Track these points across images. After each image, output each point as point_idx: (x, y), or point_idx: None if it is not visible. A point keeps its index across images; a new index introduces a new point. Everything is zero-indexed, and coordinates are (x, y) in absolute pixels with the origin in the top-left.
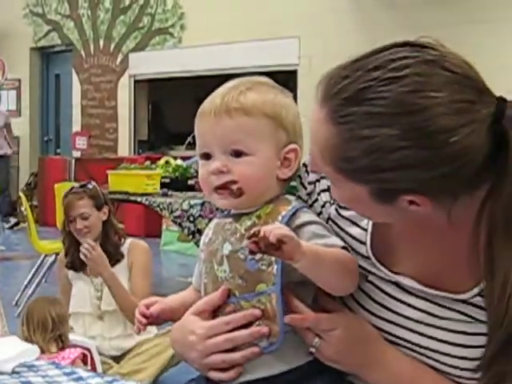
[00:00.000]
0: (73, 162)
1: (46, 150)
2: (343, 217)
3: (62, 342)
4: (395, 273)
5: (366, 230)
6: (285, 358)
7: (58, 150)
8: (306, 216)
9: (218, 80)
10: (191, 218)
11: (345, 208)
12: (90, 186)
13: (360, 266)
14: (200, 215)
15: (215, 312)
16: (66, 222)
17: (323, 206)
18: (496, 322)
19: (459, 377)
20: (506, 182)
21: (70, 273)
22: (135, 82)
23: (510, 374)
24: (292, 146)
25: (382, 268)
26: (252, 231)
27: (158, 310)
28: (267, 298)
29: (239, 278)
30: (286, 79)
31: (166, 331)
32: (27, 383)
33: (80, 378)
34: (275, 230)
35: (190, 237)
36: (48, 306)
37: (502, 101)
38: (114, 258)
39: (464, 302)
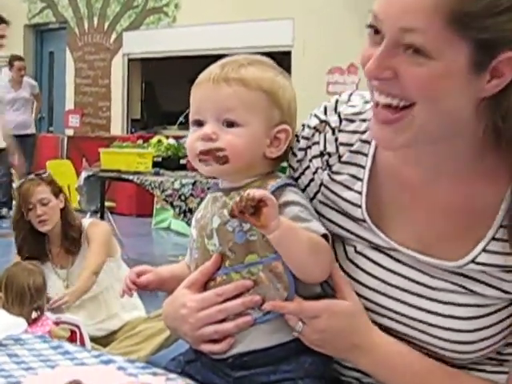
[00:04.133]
0: (65, 139)
1: (38, 128)
2: (336, 181)
3: (39, 313)
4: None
5: (360, 193)
6: (276, 332)
7: (51, 128)
8: (291, 195)
9: (211, 60)
10: (182, 197)
11: (337, 173)
12: (45, 175)
13: (353, 233)
14: (191, 194)
15: (206, 286)
16: (23, 211)
17: (315, 173)
18: None
19: (445, 349)
20: None
21: None
22: (129, 60)
23: None
24: (284, 126)
25: (377, 232)
26: (239, 196)
27: (149, 279)
28: (259, 268)
29: (228, 250)
30: (280, 60)
31: (157, 314)
32: (14, 356)
33: (67, 352)
34: (259, 191)
35: (182, 216)
36: (27, 277)
37: None
38: (79, 242)
39: (456, 272)
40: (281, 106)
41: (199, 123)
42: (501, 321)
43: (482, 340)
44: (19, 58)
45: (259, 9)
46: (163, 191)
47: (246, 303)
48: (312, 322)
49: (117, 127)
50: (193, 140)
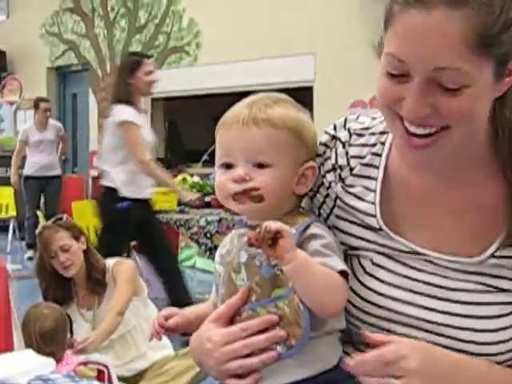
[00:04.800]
0: (90, 180)
1: (63, 169)
2: (349, 193)
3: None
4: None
5: (373, 203)
6: (304, 365)
7: (75, 169)
8: (316, 229)
9: (233, 98)
10: (208, 235)
11: (350, 186)
12: (63, 220)
13: (371, 241)
14: (217, 231)
15: (231, 321)
16: (44, 260)
17: (329, 187)
18: None
19: (473, 353)
20: None
21: None
22: (152, 100)
23: None
24: (310, 163)
25: (396, 237)
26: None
27: (177, 323)
28: (285, 302)
29: (255, 284)
30: (302, 95)
31: (185, 352)
32: None
33: None
34: (276, 223)
35: (207, 253)
36: (34, 322)
37: None
38: (104, 283)
39: (476, 272)
40: (307, 144)
41: (228, 165)
42: None
43: (502, 342)
44: (44, 100)
45: (280, 45)
46: (189, 229)
47: (270, 338)
48: (400, 364)
49: None
50: (223, 182)
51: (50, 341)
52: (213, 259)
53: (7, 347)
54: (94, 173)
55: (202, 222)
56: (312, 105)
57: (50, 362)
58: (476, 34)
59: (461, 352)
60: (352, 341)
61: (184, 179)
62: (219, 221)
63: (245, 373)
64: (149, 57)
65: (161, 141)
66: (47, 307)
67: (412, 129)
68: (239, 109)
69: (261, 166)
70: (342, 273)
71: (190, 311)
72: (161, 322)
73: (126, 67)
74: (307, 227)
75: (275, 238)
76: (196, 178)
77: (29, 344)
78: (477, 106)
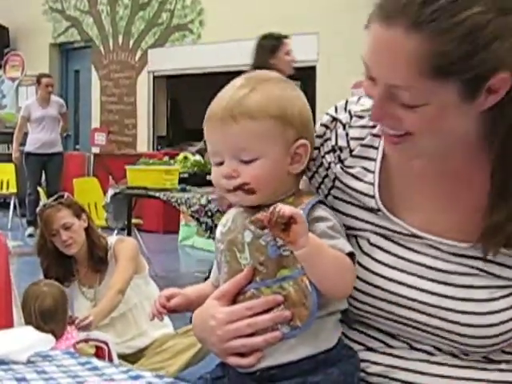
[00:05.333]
0: (92, 157)
1: (65, 146)
2: (348, 173)
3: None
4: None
5: (372, 184)
6: (305, 344)
7: (77, 146)
8: (321, 212)
9: (236, 76)
10: (209, 213)
11: (349, 167)
12: (64, 198)
13: (369, 222)
14: (218, 210)
15: (235, 299)
16: (46, 239)
17: (328, 168)
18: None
19: (465, 335)
20: None
21: None
22: (154, 78)
23: None
24: (301, 141)
25: (394, 219)
26: (270, 209)
27: (178, 303)
28: (290, 283)
29: (260, 264)
30: (305, 75)
31: (186, 330)
32: (42, 372)
33: (95, 368)
34: (290, 208)
35: (208, 232)
36: (34, 300)
37: None
38: (105, 260)
39: (470, 255)
40: (293, 124)
41: (218, 162)
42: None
43: (503, 323)
44: (47, 76)
45: (283, 24)
46: (189, 207)
47: (275, 318)
48: None
49: (143, 144)
50: (217, 177)
51: (49, 319)
52: (213, 239)
53: (7, 324)
54: (95, 150)
55: (203, 201)
56: (315, 85)
57: (49, 338)
58: (432, 58)
59: (452, 334)
60: (347, 320)
61: (186, 157)
62: None
63: (247, 351)
64: (286, 37)
65: (163, 119)
66: (47, 285)
67: (382, 126)
68: (219, 101)
69: (248, 160)
70: (350, 255)
71: (191, 291)
72: (162, 303)
73: (265, 49)
74: (312, 208)
75: (288, 222)
76: (198, 157)
77: (28, 321)
78: (438, 122)
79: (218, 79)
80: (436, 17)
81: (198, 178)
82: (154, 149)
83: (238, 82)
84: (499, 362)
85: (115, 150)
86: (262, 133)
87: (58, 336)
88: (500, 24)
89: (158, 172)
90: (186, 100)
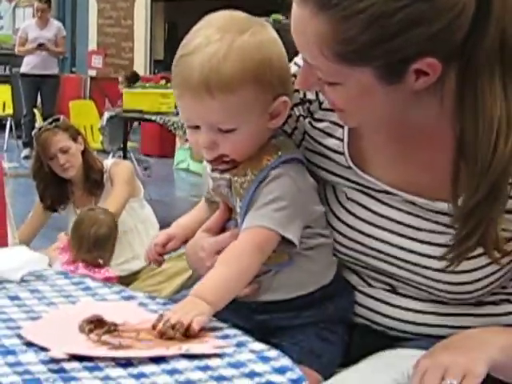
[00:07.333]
0: (88, 80)
1: (61, 69)
2: (317, 128)
3: (100, 262)
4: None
5: (342, 140)
6: (302, 285)
7: (74, 69)
8: (274, 185)
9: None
10: None
11: (319, 120)
12: (60, 121)
13: (343, 177)
14: None
15: (224, 229)
16: (42, 162)
17: (297, 121)
18: (482, 171)
19: (440, 290)
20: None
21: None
22: (152, 1)
23: (492, 220)
24: (280, 98)
25: (365, 176)
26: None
27: (176, 246)
28: None
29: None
30: None
31: (179, 254)
32: (35, 291)
33: (88, 288)
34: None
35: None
36: (89, 226)
37: None
38: (101, 183)
39: (443, 212)
40: (271, 84)
41: (193, 126)
42: (491, 263)
43: (477, 281)
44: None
45: None
46: (185, 131)
47: None
48: (435, 364)
49: (140, 68)
50: (195, 144)
51: (100, 246)
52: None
53: (1, 243)
54: (92, 73)
55: None
56: None
57: (43, 258)
58: (334, 43)
59: (430, 288)
60: None
61: None
62: None
63: None
64: None
65: (160, 42)
66: (103, 213)
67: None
68: (189, 66)
69: (226, 130)
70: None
71: (185, 224)
72: (159, 251)
73: None
74: (269, 173)
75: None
76: None
77: (79, 243)
78: (359, 101)
79: (217, 3)
80: (339, 2)
81: None
82: (150, 72)
83: (210, 36)
84: (489, 302)
85: (112, 73)
86: (241, 103)
87: (103, 263)
88: (418, 10)
89: (154, 95)
90: (184, 23)
